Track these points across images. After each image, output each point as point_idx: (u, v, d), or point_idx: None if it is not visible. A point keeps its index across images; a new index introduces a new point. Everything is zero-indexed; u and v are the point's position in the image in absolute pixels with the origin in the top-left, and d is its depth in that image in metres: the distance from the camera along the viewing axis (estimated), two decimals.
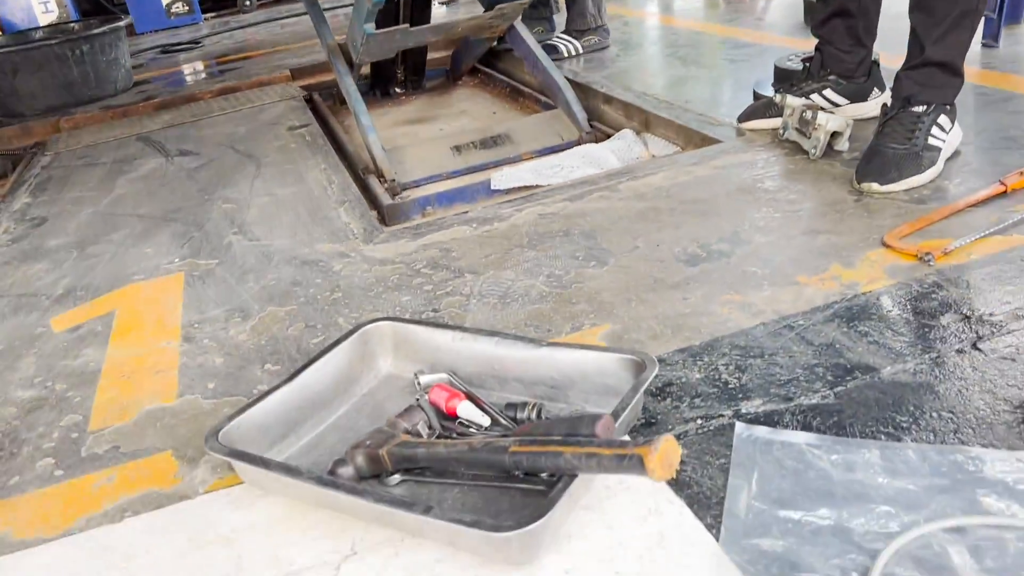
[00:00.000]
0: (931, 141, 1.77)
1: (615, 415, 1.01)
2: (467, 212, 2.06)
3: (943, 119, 1.80)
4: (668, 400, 1.20)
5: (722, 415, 1.15)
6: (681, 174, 2.06)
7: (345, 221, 2.10)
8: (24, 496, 1.22)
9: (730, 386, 1.22)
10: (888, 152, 1.76)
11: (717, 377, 1.24)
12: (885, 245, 1.55)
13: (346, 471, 1.09)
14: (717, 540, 0.95)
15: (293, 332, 1.58)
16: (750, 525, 0.95)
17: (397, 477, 1.11)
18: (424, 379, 1.28)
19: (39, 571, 1.06)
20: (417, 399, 1.22)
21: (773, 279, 1.50)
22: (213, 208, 2.34)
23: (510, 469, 0.97)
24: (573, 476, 0.92)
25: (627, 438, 0.96)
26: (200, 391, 1.43)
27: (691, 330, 1.38)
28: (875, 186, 1.74)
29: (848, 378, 1.20)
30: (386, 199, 2.47)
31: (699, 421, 1.15)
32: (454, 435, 1.15)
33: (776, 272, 1.52)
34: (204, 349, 1.57)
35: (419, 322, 1.34)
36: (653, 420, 1.16)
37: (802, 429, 1.10)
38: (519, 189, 2.44)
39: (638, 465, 0.84)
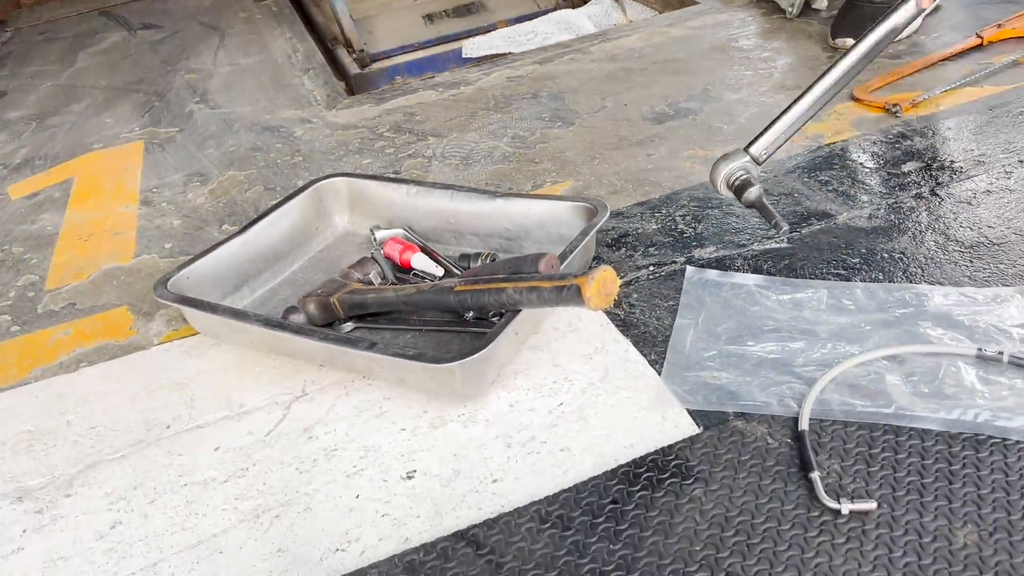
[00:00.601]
0: None
1: (562, 257, 1.00)
2: (434, 77, 2.00)
3: None
4: (623, 250, 1.20)
5: (675, 262, 1.15)
6: (656, 35, 1.99)
7: (309, 88, 2.04)
8: None
9: (685, 235, 1.21)
10: (864, 7, 1.70)
11: (673, 227, 1.23)
12: (855, 99, 1.51)
13: (297, 318, 1.09)
14: (657, 373, 0.96)
15: (251, 195, 1.55)
16: (692, 360, 0.96)
17: (350, 325, 1.11)
18: (380, 234, 1.27)
19: None
20: (372, 252, 1.22)
21: (738, 134, 1.47)
22: (175, 79, 2.26)
23: (455, 308, 0.97)
24: (517, 312, 0.92)
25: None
26: (157, 251, 1.41)
27: (652, 185, 1.36)
28: (849, 42, 1.68)
29: (803, 225, 1.19)
30: (354, 69, 2.40)
31: (651, 268, 1.15)
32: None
33: (742, 128, 1.49)
34: (162, 212, 1.54)
35: (374, 177, 1.32)
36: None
37: (753, 272, 1.10)
38: (491, 57, 2.37)
39: (576, 295, 0.84)
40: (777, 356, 0.95)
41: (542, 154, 1.52)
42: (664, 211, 1.27)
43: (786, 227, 1.01)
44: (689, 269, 1.10)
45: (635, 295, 1.09)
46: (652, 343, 1.01)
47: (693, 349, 0.97)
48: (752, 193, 1.04)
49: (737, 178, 1.06)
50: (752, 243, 1.17)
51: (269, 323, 1.00)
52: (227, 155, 1.73)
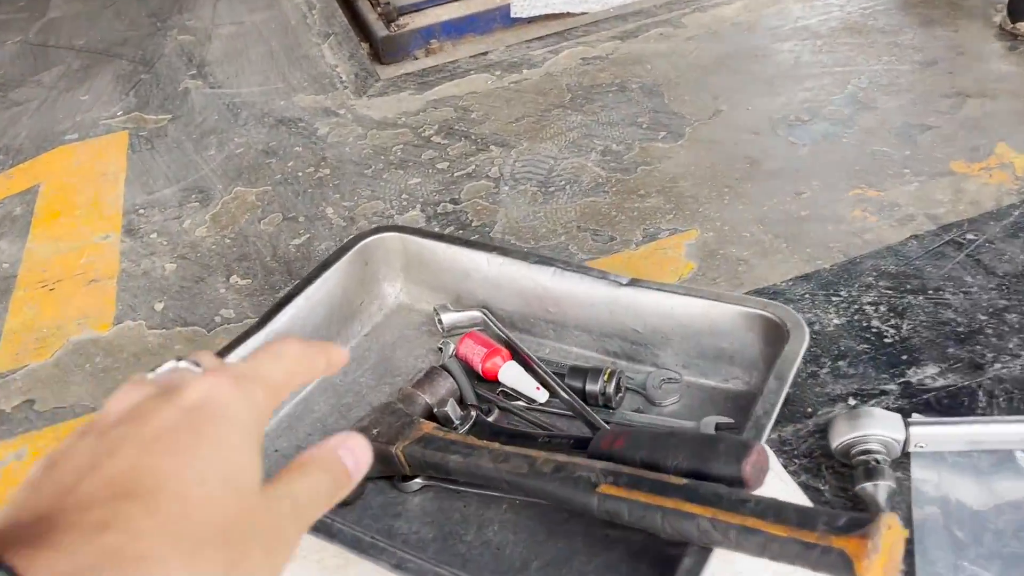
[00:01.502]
0: None
1: (756, 427, 0.65)
2: (486, 54, 1.61)
3: None
4: (803, 363, 0.85)
5: (884, 392, 0.80)
6: (761, 2, 1.59)
7: (331, 63, 1.65)
8: None
9: (886, 340, 0.86)
10: None
11: (865, 324, 0.88)
12: None
13: None
14: None
15: (267, 227, 1.19)
16: None
17: (418, 481, 0.77)
18: (448, 318, 0.92)
19: None
20: (442, 359, 0.87)
21: (917, 165, 1.10)
22: (167, 40, 1.87)
23: (600, 516, 0.63)
24: (707, 549, 0.58)
25: (807, 502, 0.61)
26: (145, 315, 1.06)
27: (814, 244, 1.00)
28: None
29: None
30: (380, 29, 1.99)
31: (851, 401, 0.80)
32: (496, 428, 0.80)
33: (919, 154, 1.12)
34: (151, 248, 1.19)
35: (440, 236, 0.96)
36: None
37: (1013, 416, 0.76)
38: (547, 18, 1.96)
39: (839, 566, 0.50)
40: None
41: (647, 182, 1.16)
42: (844, 294, 0.92)
43: None
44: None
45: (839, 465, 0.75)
46: None
47: None
48: (878, 492, 0.69)
49: (869, 456, 0.70)
50: (992, 361, 0.82)
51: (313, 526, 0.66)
52: (233, 160, 1.36)
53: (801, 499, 0.70)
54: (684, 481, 0.59)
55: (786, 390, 0.69)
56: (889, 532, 0.50)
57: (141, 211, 1.27)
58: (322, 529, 0.66)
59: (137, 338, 1.03)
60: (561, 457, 0.67)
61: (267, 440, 0.84)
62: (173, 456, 0.28)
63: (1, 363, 1.02)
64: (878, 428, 0.70)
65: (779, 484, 0.73)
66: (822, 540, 0.51)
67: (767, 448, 0.62)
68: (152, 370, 0.33)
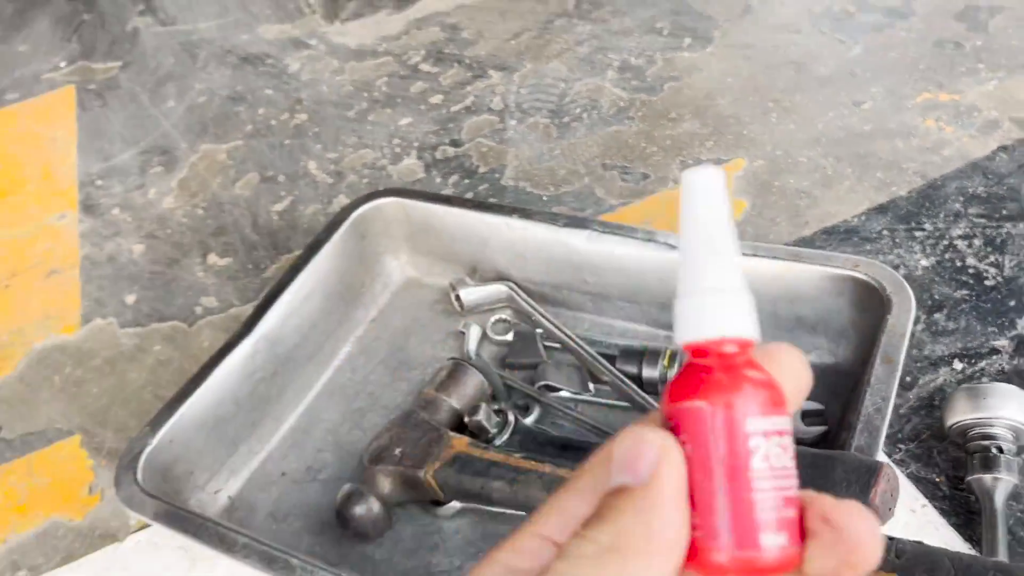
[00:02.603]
0: None
1: (871, 440, 0.53)
2: None
3: None
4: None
5: (996, 351, 0.68)
6: None
7: None
8: None
9: (986, 281, 0.72)
10: None
11: (960, 263, 0.74)
12: None
13: (368, 512, 0.63)
14: None
15: (243, 190, 1.04)
16: None
17: (455, 504, 0.65)
18: (468, 294, 0.79)
19: None
20: (467, 349, 0.74)
21: (992, 57, 0.94)
22: None
23: None
24: None
25: (952, 536, 0.49)
26: (115, 310, 0.93)
27: (886, 166, 0.85)
28: None
29: None
30: None
31: (960, 369, 0.67)
32: (541, 435, 0.67)
33: (994, 43, 0.96)
34: (115, 227, 1.04)
35: (447, 199, 0.80)
36: None
37: None
38: None
39: None
40: None
41: (678, 102, 1.00)
42: (930, 227, 0.78)
43: None
44: None
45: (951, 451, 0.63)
46: None
47: None
48: (995, 488, 0.56)
49: (989, 440, 0.57)
50: None
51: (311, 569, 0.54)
52: (196, 111, 1.19)
53: (946, 535, 0.58)
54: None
55: (898, 375, 0.57)
56: None
57: (99, 182, 1.12)
58: None
59: (109, 339, 0.89)
60: None
61: (271, 463, 0.72)
62: None
63: None
64: (1005, 409, 0.58)
65: (906, 514, 0.60)
66: None
67: (894, 468, 0.49)
68: None
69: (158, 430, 0.65)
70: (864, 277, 0.62)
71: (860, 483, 0.47)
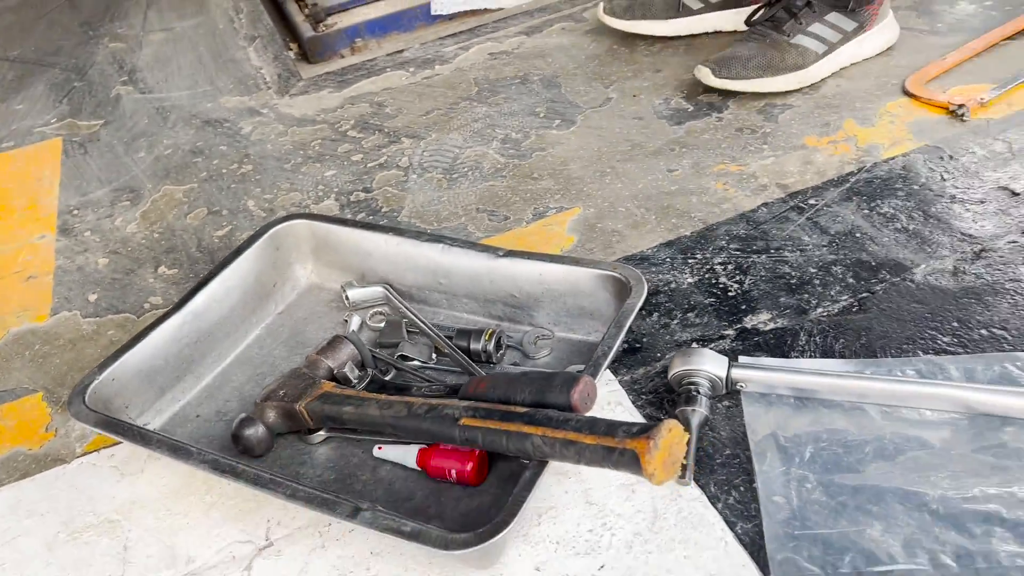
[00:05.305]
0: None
1: (593, 365, 0.78)
2: (402, 51, 1.71)
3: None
4: (656, 315, 0.98)
5: (723, 335, 0.94)
6: None
7: (256, 65, 1.74)
8: None
9: (730, 294, 0.99)
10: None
11: (714, 281, 1.01)
12: (907, 94, 1.28)
13: (255, 433, 0.86)
14: (722, 517, 0.75)
15: (193, 220, 1.29)
16: (795, 509, 0.75)
17: (321, 434, 0.89)
18: (354, 293, 1.03)
19: None
20: (345, 319, 0.98)
21: (775, 140, 1.23)
22: (98, 48, 1.94)
23: (461, 444, 0.75)
24: (543, 462, 0.71)
25: (615, 418, 0.74)
26: (79, 305, 1.16)
27: (679, 215, 1.13)
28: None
29: (874, 280, 0.98)
30: (307, 30, 2.08)
31: (694, 345, 0.93)
32: (389, 384, 0.91)
33: (778, 131, 1.25)
34: (85, 245, 1.28)
35: (344, 221, 1.07)
36: (638, 345, 0.94)
37: (823, 355, 0.89)
38: (466, 14, 2.07)
39: (631, 463, 0.63)
40: (900, 485, 0.75)
41: (541, 166, 1.28)
42: (699, 256, 1.05)
43: (688, 481, 0.77)
44: (736, 371, 0.85)
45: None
46: (709, 468, 0.80)
47: (789, 488, 0.76)
48: (692, 416, 0.81)
49: (692, 385, 0.83)
50: (815, 306, 0.95)
51: (219, 467, 0.77)
52: (162, 161, 1.46)
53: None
54: (525, 409, 0.72)
55: (623, 335, 0.82)
56: (670, 434, 0.63)
57: (75, 211, 1.36)
58: (230, 471, 0.77)
59: (73, 326, 1.12)
60: (434, 401, 0.79)
61: (189, 407, 0.94)
62: None
63: None
64: (704, 364, 0.83)
65: (626, 416, 0.85)
66: (619, 444, 0.63)
67: (594, 381, 0.74)
68: None
69: (104, 370, 0.88)
70: (618, 275, 0.88)
71: (567, 387, 0.72)
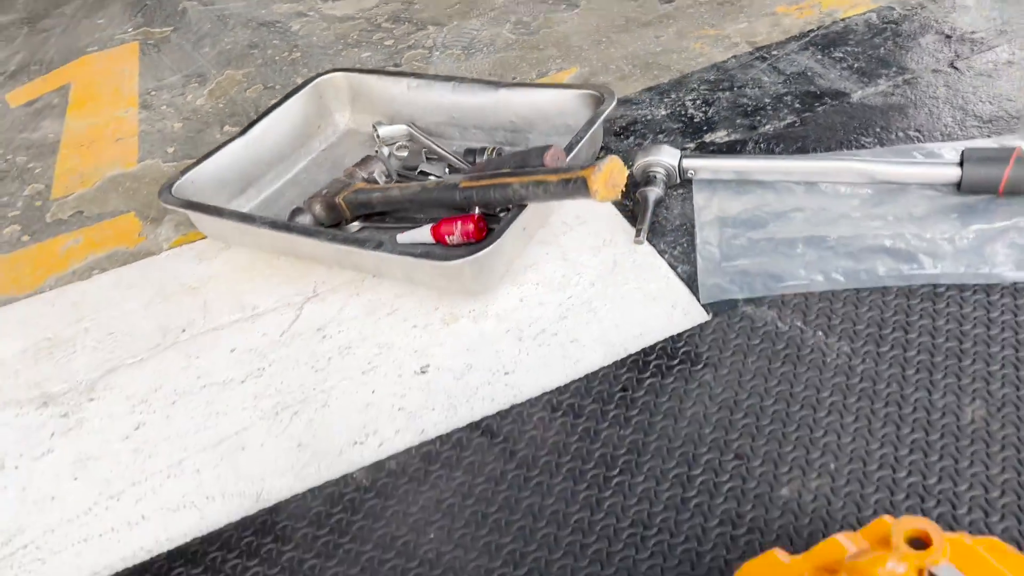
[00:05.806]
0: None
1: (569, 148, 0.98)
2: None
3: None
4: (632, 138, 1.17)
5: (685, 148, 1.13)
6: None
7: None
8: None
9: (695, 120, 1.18)
10: None
11: (683, 112, 1.20)
12: None
13: (304, 219, 1.08)
14: (668, 263, 0.95)
15: (251, 94, 1.52)
16: (725, 251, 0.95)
17: (356, 224, 1.10)
18: (383, 130, 1.25)
19: (11, 326, 1.09)
20: (376, 150, 1.20)
21: (751, 10, 1.41)
22: None
23: (461, 205, 0.96)
24: (524, 206, 0.91)
25: (623, 221, 0.94)
26: (160, 155, 1.40)
27: (661, 68, 1.31)
28: None
29: (817, 104, 1.15)
30: None
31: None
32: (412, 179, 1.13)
33: (755, 3, 1.43)
34: (162, 115, 1.52)
35: (373, 71, 1.28)
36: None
37: (766, 155, 1.08)
38: None
39: (582, 188, 0.83)
40: (810, 234, 0.94)
41: (547, 40, 1.47)
42: (673, 96, 1.24)
43: (642, 240, 0.95)
44: (686, 161, 1.05)
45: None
46: (661, 233, 1.00)
47: (721, 239, 0.96)
48: (649, 193, 1.00)
49: (653, 174, 1.02)
50: (764, 124, 1.14)
51: (276, 225, 1.00)
52: (224, 54, 1.69)
53: (621, 224, 1.03)
54: (510, 168, 0.92)
55: (593, 129, 1.02)
56: (611, 163, 0.82)
57: (152, 92, 1.60)
58: (283, 227, 0.99)
59: (156, 170, 1.36)
60: (444, 180, 1.00)
61: (255, 208, 1.17)
62: None
63: (56, 193, 1.36)
64: (661, 156, 1.03)
65: (608, 208, 1.05)
66: (573, 175, 0.83)
67: (563, 151, 0.94)
68: None
69: (185, 174, 1.11)
70: (595, 92, 1.08)
71: (542, 151, 0.92)
